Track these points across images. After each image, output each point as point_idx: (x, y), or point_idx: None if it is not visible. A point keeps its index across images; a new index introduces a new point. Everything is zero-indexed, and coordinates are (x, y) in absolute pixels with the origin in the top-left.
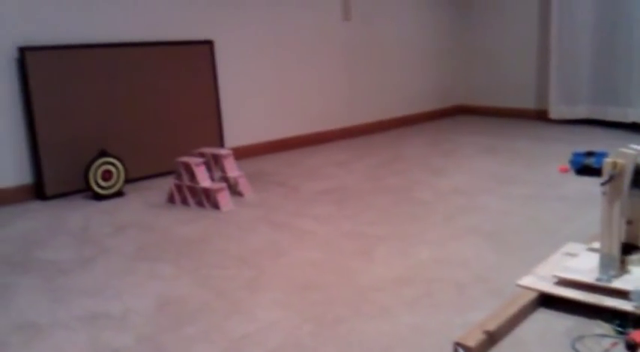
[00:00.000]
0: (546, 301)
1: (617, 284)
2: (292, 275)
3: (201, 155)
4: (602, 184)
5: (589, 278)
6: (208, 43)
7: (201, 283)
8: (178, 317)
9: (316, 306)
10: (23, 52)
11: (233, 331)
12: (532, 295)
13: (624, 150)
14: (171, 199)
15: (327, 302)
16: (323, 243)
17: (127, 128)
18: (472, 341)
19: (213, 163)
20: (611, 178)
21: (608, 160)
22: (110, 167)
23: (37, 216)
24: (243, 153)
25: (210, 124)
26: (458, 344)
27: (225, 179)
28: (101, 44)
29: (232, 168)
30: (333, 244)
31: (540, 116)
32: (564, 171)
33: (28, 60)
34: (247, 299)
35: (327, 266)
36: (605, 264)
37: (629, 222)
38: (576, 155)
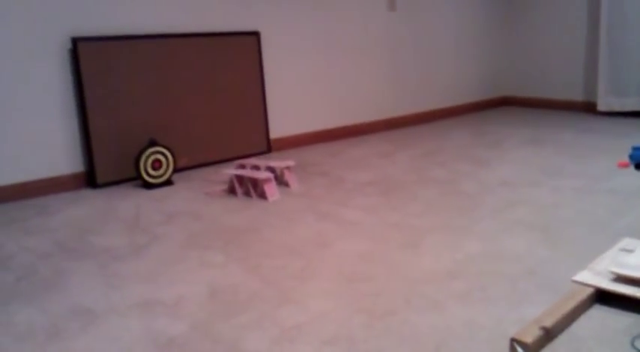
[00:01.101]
0: (602, 297)
1: None
2: (340, 265)
3: (242, 166)
4: None
5: None
6: (255, 34)
7: (251, 272)
8: (230, 305)
9: (366, 298)
10: (76, 42)
11: (285, 320)
12: (588, 291)
13: None
14: (231, 190)
15: (377, 293)
16: (370, 234)
17: (175, 118)
18: (529, 338)
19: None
20: None
21: None
22: (160, 156)
23: (89, 203)
24: (288, 144)
25: (256, 114)
26: (515, 340)
27: (271, 169)
28: (151, 35)
29: (278, 161)
30: (380, 235)
31: (588, 108)
32: (624, 166)
33: (81, 50)
34: (297, 289)
35: (375, 258)
36: None
37: None
38: (635, 149)
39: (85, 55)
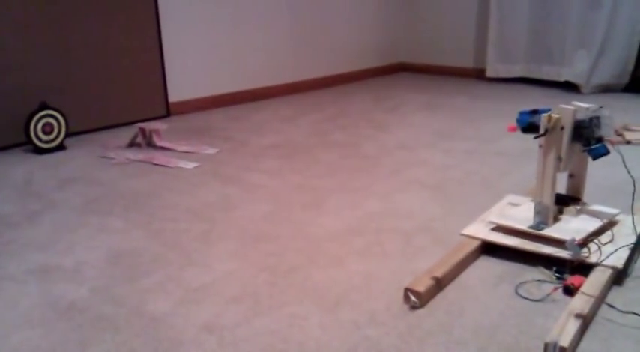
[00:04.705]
0: (489, 249)
1: (548, 232)
2: (245, 227)
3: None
4: (535, 137)
5: (522, 225)
6: None
7: (154, 236)
8: (132, 269)
9: (270, 257)
10: None
11: (189, 282)
12: (475, 243)
13: (563, 106)
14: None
15: (281, 252)
16: (273, 196)
17: (68, 80)
18: (421, 287)
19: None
20: (546, 132)
21: (544, 115)
22: (51, 120)
23: None
24: (188, 108)
25: (154, 78)
26: (408, 290)
27: (142, 131)
28: None
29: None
30: (284, 197)
31: (478, 74)
32: (513, 130)
33: None
34: (202, 251)
35: (278, 219)
36: (538, 213)
37: (571, 175)
38: (522, 114)
39: None
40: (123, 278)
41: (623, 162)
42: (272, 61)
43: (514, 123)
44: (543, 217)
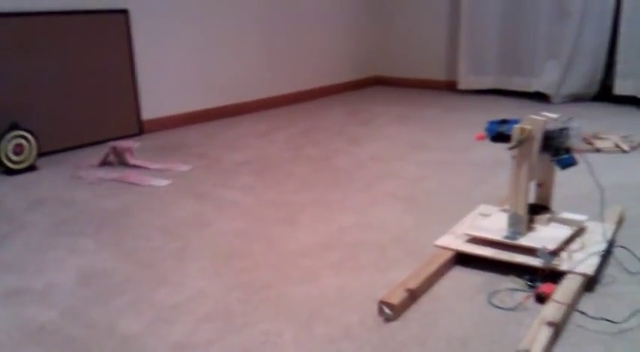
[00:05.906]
0: (462, 259)
1: (523, 241)
2: (218, 244)
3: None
4: (510, 148)
5: (497, 236)
6: (123, 12)
7: (126, 256)
8: (104, 290)
9: (244, 274)
10: None
11: (161, 301)
12: (448, 254)
13: (533, 117)
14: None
15: (254, 269)
16: (247, 213)
17: (39, 100)
18: (395, 299)
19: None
20: (519, 143)
21: (516, 126)
22: (22, 140)
23: None
24: (162, 125)
25: (126, 96)
26: (382, 303)
27: (115, 150)
28: (10, 13)
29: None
30: (257, 213)
31: (450, 87)
32: (481, 138)
33: None
34: (174, 270)
35: (252, 235)
36: (512, 223)
37: (540, 185)
38: (491, 123)
39: None
40: (94, 299)
41: (590, 171)
42: (246, 76)
43: (483, 132)
44: (518, 227)
